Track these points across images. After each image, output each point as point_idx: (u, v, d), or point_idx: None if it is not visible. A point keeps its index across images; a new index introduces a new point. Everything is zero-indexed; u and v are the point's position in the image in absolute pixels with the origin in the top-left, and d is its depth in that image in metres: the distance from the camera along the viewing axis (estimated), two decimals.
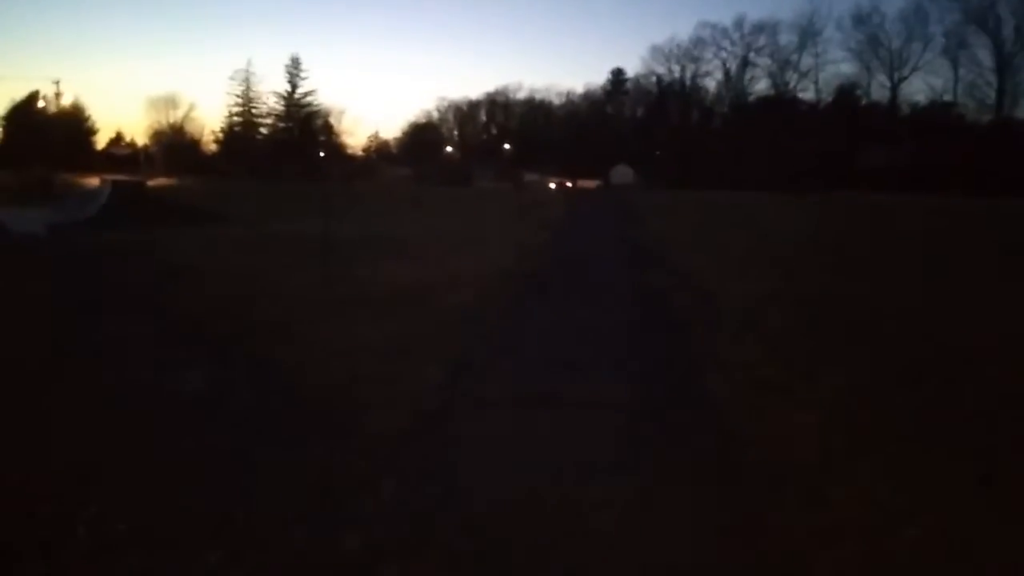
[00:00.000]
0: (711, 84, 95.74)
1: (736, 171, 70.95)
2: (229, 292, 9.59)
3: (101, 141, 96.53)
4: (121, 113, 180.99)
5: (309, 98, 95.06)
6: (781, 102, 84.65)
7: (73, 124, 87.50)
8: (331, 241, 16.35)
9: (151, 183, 59.95)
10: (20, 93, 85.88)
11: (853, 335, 7.97)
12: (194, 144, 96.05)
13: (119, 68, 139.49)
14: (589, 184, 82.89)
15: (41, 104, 76.28)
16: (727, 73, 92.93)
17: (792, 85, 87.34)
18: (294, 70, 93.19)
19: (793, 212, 33.72)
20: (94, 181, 36.60)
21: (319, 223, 22.68)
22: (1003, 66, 72.89)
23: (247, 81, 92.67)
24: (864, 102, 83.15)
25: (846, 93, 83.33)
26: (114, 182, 23.22)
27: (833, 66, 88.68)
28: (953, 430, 4.93)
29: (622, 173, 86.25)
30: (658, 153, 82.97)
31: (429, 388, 5.70)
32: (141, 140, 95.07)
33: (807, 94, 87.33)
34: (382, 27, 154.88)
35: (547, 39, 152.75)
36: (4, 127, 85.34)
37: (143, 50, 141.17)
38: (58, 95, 68.29)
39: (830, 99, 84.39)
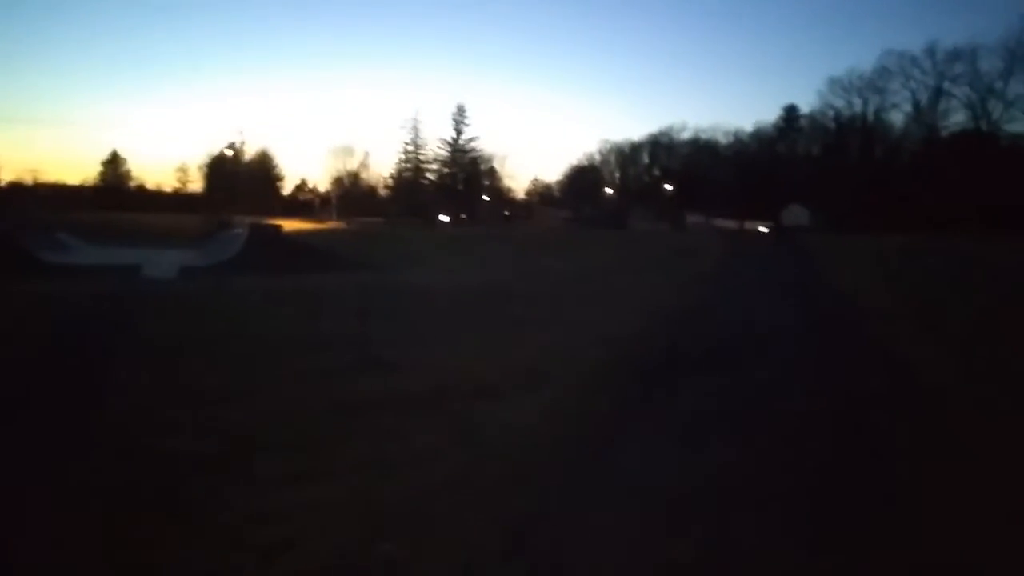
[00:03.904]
0: (897, 118, 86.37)
1: (929, 213, 62.71)
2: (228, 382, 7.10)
3: (288, 187, 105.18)
4: (308, 161, 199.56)
5: (473, 143, 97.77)
6: (982, 135, 74.29)
7: (262, 171, 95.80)
8: (441, 293, 14.90)
9: (323, 225, 63.96)
10: (219, 145, 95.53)
11: None
12: (370, 190, 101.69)
13: (307, 121, 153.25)
14: (759, 227, 76.89)
15: (229, 152, 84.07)
16: (917, 105, 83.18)
17: (996, 116, 76.47)
18: (460, 117, 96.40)
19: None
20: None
21: (454, 270, 21.60)
22: None
23: (415, 129, 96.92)
24: None
25: None
26: (251, 226, 23.53)
27: None
28: None
29: (795, 214, 79.52)
30: (836, 193, 75.52)
31: None
32: (323, 187, 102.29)
33: (1014, 126, 76.08)
34: (545, 71, 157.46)
35: (714, 77, 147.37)
36: (205, 175, 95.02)
37: (328, 104, 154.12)
38: (243, 143, 74.94)
39: None
